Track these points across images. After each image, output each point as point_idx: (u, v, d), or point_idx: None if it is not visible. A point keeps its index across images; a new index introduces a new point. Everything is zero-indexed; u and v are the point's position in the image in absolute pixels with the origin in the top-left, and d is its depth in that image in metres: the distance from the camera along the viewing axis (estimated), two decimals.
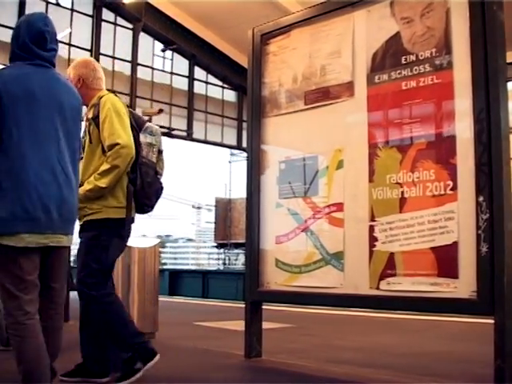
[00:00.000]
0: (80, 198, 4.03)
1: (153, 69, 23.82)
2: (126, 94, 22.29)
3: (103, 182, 4.37)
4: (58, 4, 20.92)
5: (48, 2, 20.49)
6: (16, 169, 3.32)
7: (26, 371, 3.31)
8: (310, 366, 5.34)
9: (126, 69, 22.65)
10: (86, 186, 4.40)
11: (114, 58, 22.24)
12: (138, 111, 21.14)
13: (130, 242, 6.80)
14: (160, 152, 4.99)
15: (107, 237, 4.46)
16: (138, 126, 4.77)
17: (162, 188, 4.98)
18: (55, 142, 3.49)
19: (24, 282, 3.37)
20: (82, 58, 5.07)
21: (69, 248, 3.73)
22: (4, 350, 5.46)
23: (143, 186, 4.65)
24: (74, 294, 8.48)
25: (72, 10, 21.33)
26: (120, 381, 4.47)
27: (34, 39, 3.53)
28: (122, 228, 4.59)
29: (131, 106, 22.06)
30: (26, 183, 3.33)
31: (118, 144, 4.39)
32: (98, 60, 19.84)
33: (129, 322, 4.72)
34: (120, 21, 22.66)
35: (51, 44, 3.63)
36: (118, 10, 22.26)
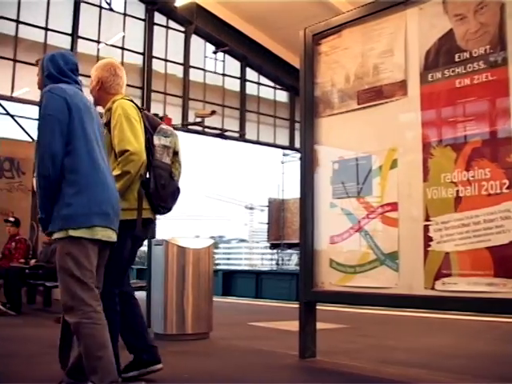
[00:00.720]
0: None
1: (205, 71, 23.93)
2: (178, 97, 22.47)
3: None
4: (110, 9, 21.20)
5: (101, 7, 20.77)
6: (87, 169, 3.72)
7: (105, 358, 3.49)
8: (365, 366, 5.31)
9: (178, 71, 22.81)
10: None
11: (166, 60, 22.42)
12: (191, 113, 21.32)
13: (184, 243, 6.91)
14: (176, 153, 4.99)
15: (119, 238, 4.32)
16: (152, 128, 4.82)
17: (178, 189, 5.00)
18: (103, 149, 3.97)
19: (92, 273, 3.66)
20: (105, 60, 5.07)
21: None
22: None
23: (157, 188, 4.69)
24: None
25: (125, 14, 21.59)
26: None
27: (70, 68, 4.08)
28: (134, 229, 4.61)
29: (184, 107, 22.23)
30: (98, 182, 3.75)
31: (127, 151, 4.46)
32: (150, 63, 20.11)
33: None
34: (172, 24, 22.83)
35: (78, 74, 4.14)
36: (170, 14, 22.43)
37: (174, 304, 6.81)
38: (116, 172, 4.43)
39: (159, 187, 4.70)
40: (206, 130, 22.44)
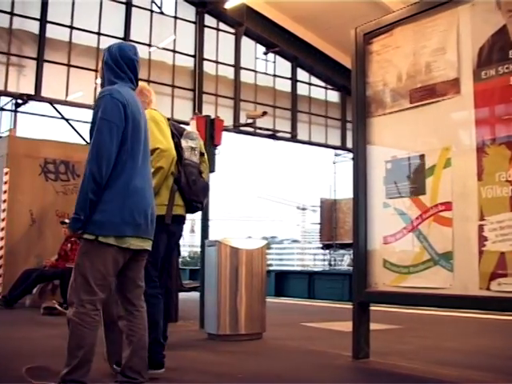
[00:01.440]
0: None
1: (256, 72, 23.99)
2: (230, 98, 22.58)
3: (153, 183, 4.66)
4: (161, 12, 21.42)
5: (152, 11, 21.01)
6: (127, 178, 3.82)
7: (81, 358, 3.66)
8: (419, 367, 5.26)
9: (229, 73, 22.93)
10: None
11: (217, 62, 22.55)
12: (242, 114, 21.39)
13: (237, 244, 6.93)
14: (202, 154, 5.44)
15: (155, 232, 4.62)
16: (178, 133, 5.30)
17: (207, 185, 5.43)
18: (145, 155, 4.03)
19: (105, 280, 3.79)
20: (140, 84, 5.40)
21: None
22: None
23: (189, 183, 5.09)
24: (183, 295, 8.67)
25: (175, 17, 21.80)
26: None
27: (127, 64, 4.10)
28: (168, 224, 4.95)
29: (235, 109, 22.32)
30: (134, 191, 3.83)
31: (158, 148, 4.85)
32: (201, 65, 20.29)
33: (160, 328, 5.01)
34: (222, 26, 22.97)
35: (138, 74, 4.20)
36: (220, 16, 22.56)
37: (227, 304, 6.84)
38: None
39: (190, 182, 5.11)
40: (258, 131, 22.51)
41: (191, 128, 8.03)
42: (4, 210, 11.79)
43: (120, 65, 4.09)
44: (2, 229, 11.74)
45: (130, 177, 3.83)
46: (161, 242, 4.94)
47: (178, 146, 5.17)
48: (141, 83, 5.41)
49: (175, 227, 5.13)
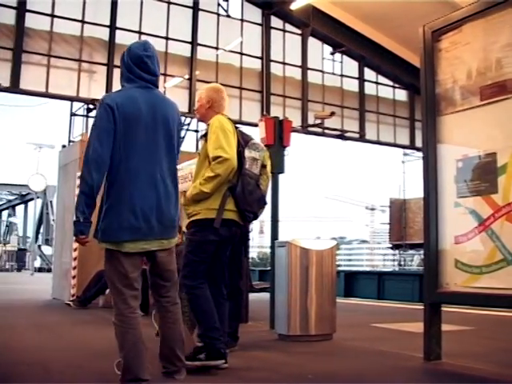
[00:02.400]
0: (187, 200, 5.08)
1: (323, 72, 23.93)
2: (297, 99, 22.58)
3: (207, 188, 5.01)
4: (228, 15, 21.57)
5: (219, 15, 21.17)
6: (123, 183, 3.99)
7: (125, 357, 3.93)
8: (493, 370, 5.16)
9: (296, 74, 22.92)
10: (192, 191, 5.09)
11: (284, 63, 22.58)
12: (310, 115, 21.36)
13: (307, 245, 6.93)
14: (264, 166, 5.58)
15: (203, 233, 5.12)
16: (244, 142, 5.42)
17: (263, 197, 5.54)
18: (158, 157, 4.15)
19: (128, 279, 4.03)
20: (215, 85, 5.79)
21: (171, 249, 4.33)
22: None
23: (244, 193, 5.19)
24: (253, 296, 8.71)
25: (242, 20, 21.92)
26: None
27: (136, 63, 4.21)
28: (218, 227, 5.08)
29: (303, 110, 22.30)
30: (131, 197, 3.99)
31: (220, 156, 4.99)
32: (268, 67, 20.35)
33: (210, 317, 5.08)
34: (288, 27, 22.98)
35: (153, 67, 4.28)
36: (286, 17, 22.58)
37: (297, 305, 6.85)
38: (208, 173, 5.02)
39: (246, 192, 5.22)
40: (326, 131, 22.45)
41: (259, 129, 8.08)
42: None
43: (130, 67, 4.24)
44: None
45: (127, 182, 4.00)
46: (208, 244, 5.17)
47: (240, 155, 5.29)
48: (217, 84, 5.77)
49: (226, 231, 5.21)
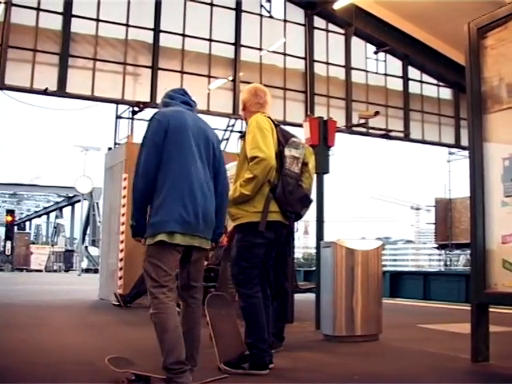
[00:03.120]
0: (230, 202, 5.00)
1: (367, 72, 23.80)
2: (341, 99, 22.48)
3: (247, 189, 5.03)
4: (271, 16, 21.57)
5: (261, 16, 21.19)
6: (176, 182, 4.32)
7: (168, 341, 4.16)
8: None
9: (340, 74, 22.83)
10: (233, 193, 5.09)
11: (327, 63, 22.50)
12: (355, 115, 21.27)
13: (352, 245, 6.92)
14: (305, 164, 5.45)
15: (250, 238, 5.12)
16: (284, 141, 5.33)
17: (306, 196, 5.43)
18: (201, 164, 4.49)
19: (166, 273, 4.29)
20: (249, 86, 5.79)
21: (207, 250, 4.60)
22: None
23: (284, 193, 5.14)
24: (299, 296, 8.72)
25: (285, 20, 21.88)
26: (227, 365, 4.99)
27: (178, 92, 4.79)
28: (263, 230, 5.07)
29: (347, 109, 22.20)
30: (183, 194, 4.32)
31: (257, 157, 5.00)
32: (312, 67, 20.25)
33: (262, 328, 5.08)
34: (331, 27, 22.89)
35: (189, 98, 4.79)
36: (329, 17, 22.48)
37: (343, 305, 6.84)
38: (247, 175, 5.04)
39: (286, 193, 5.16)
40: (370, 131, 22.32)
41: (304, 130, 8.08)
42: (123, 215, 12.21)
43: (171, 96, 4.76)
44: (122, 232, 12.16)
45: (178, 182, 4.33)
46: (256, 247, 5.16)
47: (280, 155, 5.26)
48: (255, 84, 5.78)
49: (272, 233, 5.20)
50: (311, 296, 8.33)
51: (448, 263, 37.64)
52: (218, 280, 8.36)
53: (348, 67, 22.85)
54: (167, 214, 4.28)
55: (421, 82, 25.24)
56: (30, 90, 16.78)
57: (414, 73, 25.05)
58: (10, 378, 4.77)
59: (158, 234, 4.27)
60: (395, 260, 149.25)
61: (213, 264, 10.61)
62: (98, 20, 17.84)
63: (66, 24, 17.30)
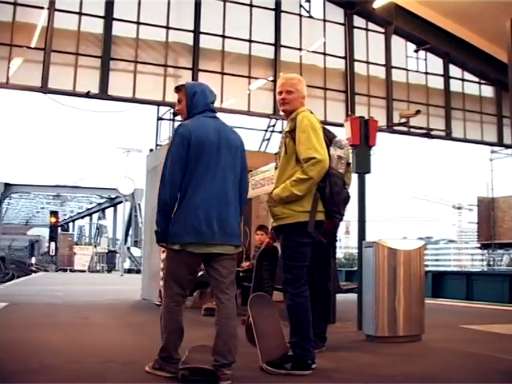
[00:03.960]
0: (275, 201, 5.10)
1: (407, 70, 23.62)
2: (382, 98, 22.35)
3: (299, 190, 4.96)
4: (310, 16, 21.54)
5: (301, 16, 21.17)
6: (189, 196, 4.68)
7: (165, 339, 4.79)
8: None
9: (380, 73, 22.70)
10: (282, 192, 5.04)
11: (368, 63, 22.40)
12: (395, 114, 21.16)
13: (395, 245, 6.90)
14: (348, 164, 5.50)
15: (297, 237, 5.06)
16: (328, 140, 5.31)
17: (348, 197, 5.45)
18: (222, 173, 4.78)
19: (180, 279, 4.78)
20: (295, 75, 5.65)
21: (233, 254, 4.88)
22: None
23: (332, 194, 5.11)
24: (340, 297, 8.72)
25: (324, 20, 21.84)
26: (270, 365, 5.02)
27: (207, 102, 5.01)
28: (312, 231, 5.04)
29: (388, 109, 22.09)
30: (196, 206, 4.66)
31: (314, 158, 4.92)
32: (352, 67, 20.23)
33: (307, 327, 5.08)
34: (371, 26, 22.77)
35: (212, 102, 5.08)
36: (369, 16, 22.36)
37: (385, 306, 6.82)
38: (300, 175, 4.97)
39: (334, 193, 5.14)
40: (412, 130, 22.15)
41: (345, 130, 8.07)
42: None
43: (196, 104, 4.96)
44: None
45: (193, 195, 4.67)
46: (303, 246, 5.11)
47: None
48: (295, 74, 5.67)
49: (317, 232, 5.16)
50: (353, 296, 8.32)
51: (491, 263, 37.15)
52: (253, 280, 8.35)
53: (388, 66, 22.71)
54: (182, 226, 4.68)
55: (462, 79, 24.99)
56: (73, 93, 17.06)
57: (455, 71, 24.81)
58: (56, 377, 4.85)
59: (175, 244, 4.72)
60: (437, 260, 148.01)
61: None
62: (138, 23, 18.04)
63: (108, 27, 17.52)
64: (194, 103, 4.97)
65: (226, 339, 4.66)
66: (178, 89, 5.12)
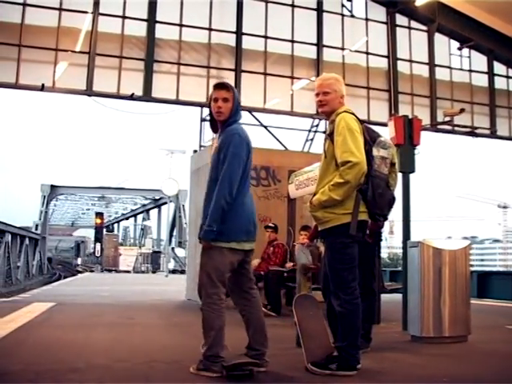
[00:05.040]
0: (315, 206, 5.10)
1: (451, 68, 23.37)
2: (425, 97, 22.15)
3: (337, 194, 4.90)
4: (352, 16, 21.46)
5: (343, 15, 21.10)
6: (241, 198, 4.97)
7: (213, 337, 4.85)
8: None
9: (423, 71, 22.50)
10: (321, 197, 5.01)
11: (410, 61, 22.23)
12: (439, 113, 20.95)
13: (440, 245, 6.85)
14: (392, 165, 5.38)
15: (341, 239, 5.00)
16: (371, 140, 5.19)
17: (393, 198, 5.37)
18: (249, 175, 5.15)
19: (223, 277, 4.95)
20: (331, 74, 5.57)
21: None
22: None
23: (374, 196, 5.03)
24: (385, 297, 8.68)
25: (366, 19, 21.72)
26: (314, 365, 5.03)
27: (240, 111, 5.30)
28: (354, 233, 4.98)
29: (432, 107, 21.89)
30: (246, 207, 5.04)
31: (350, 161, 4.83)
32: (395, 65, 20.04)
33: (356, 333, 5.02)
34: (414, 24, 22.58)
35: None
36: (411, 14, 22.17)
37: (430, 306, 6.78)
38: (338, 179, 4.90)
39: (376, 196, 5.05)
40: (456, 128, 21.92)
41: (389, 129, 8.03)
42: None
43: (238, 109, 5.24)
44: None
45: (244, 196, 5.00)
46: (348, 248, 5.03)
47: (368, 155, 5.08)
48: (331, 74, 5.58)
49: (359, 233, 5.07)
50: (397, 296, 8.28)
51: None
52: (297, 281, 8.37)
53: (432, 64, 22.49)
54: (238, 224, 4.98)
55: (507, 77, 24.64)
56: (117, 96, 17.24)
57: (499, 68, 24.48)
58: (103, 377, 4.93)
59: (231, 242, 4.93)
60: (482, 260, 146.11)
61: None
62: (181, 25, 18.14)
63: (151, 30, 17.65)
64: (239, 110, 5.24)
65: (263, 329, 5.09)
66: (224, 86, 5.21)
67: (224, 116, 5.09)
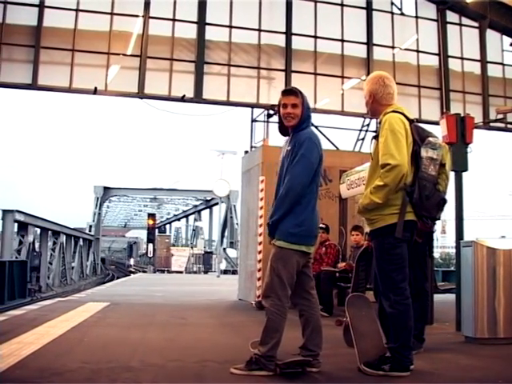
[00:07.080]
0: (360, 209, 5.18)
1: (503, 65, 23.01)
2: (477, 94, 21.86)
3: (377, 197, 4.90)
4: (402, 13, 21.28)
5: (393, 13, 20.94)
6: (312, 203, 5.12)
7: (275, 339, 4.93)
8: None
9: (475, 68, 22.20)
10: (364, 200, 5.06)
11: (462, 58, 21.94)
12: (492, 110, 20.63)
13: (494, 244, 6.76)
14: (442, 165, 5.12)
15: (389, 240, 4.97)
16: (420, 140, 5.04)
17: (443, 200, 5.17)
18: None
19: (292, 279, 5.06)
20: (373, 74, 5.54)
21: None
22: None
23: (421, 198, 4.92)
24: (438, 297, 8.60)
25: (416, 17, 21.50)
26: (367, 366, 5.01)
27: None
28: (400, 236, 4.94)
29: (484, 105, 21.57)
30: (316, 213, 5.18)
31: (389, 164, 4.80)
32: (446, 63, 19.78)
33: (408, 335, 4.98)
34: (465, 21, 22.29)
35: None
36: (462, 11, 21.89)
37: (484, 307, 6.70)
38: (378, 182, 4.90)
39: (423, 198, 4.94)
40: (509, 126, 21.57)
41: (441, 127, 7.96)
42: (261, 217, 12.39)
43: (309, 115, 5.30)
44: (260, 234, 12.35)
45: (314, 201, 5.14)
46: (397, 248, 5.00)
47: (416, 156, 5.01)
48: (379, 72, 5.58)
49: (407, 232, 5.01)
50: (450, 297, 8.20)
51: None
52: (352, 280, 8.35)
53: (483, 61, 22.16)
54: (311, 229, 5.13)
55: None
56: (169, 98, 17.42)
57: None
58: (158, 376, 5.01)
59: (302, 245, 5.05)
60: None
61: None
62: (230, 27, 18.22)
63: (201, 32, 17.78)
64: (309, 115, 5.27)
65: (320, 331, 5.18)
66: (293, 92, 5.20)
67: (294, 121, 5.13)
